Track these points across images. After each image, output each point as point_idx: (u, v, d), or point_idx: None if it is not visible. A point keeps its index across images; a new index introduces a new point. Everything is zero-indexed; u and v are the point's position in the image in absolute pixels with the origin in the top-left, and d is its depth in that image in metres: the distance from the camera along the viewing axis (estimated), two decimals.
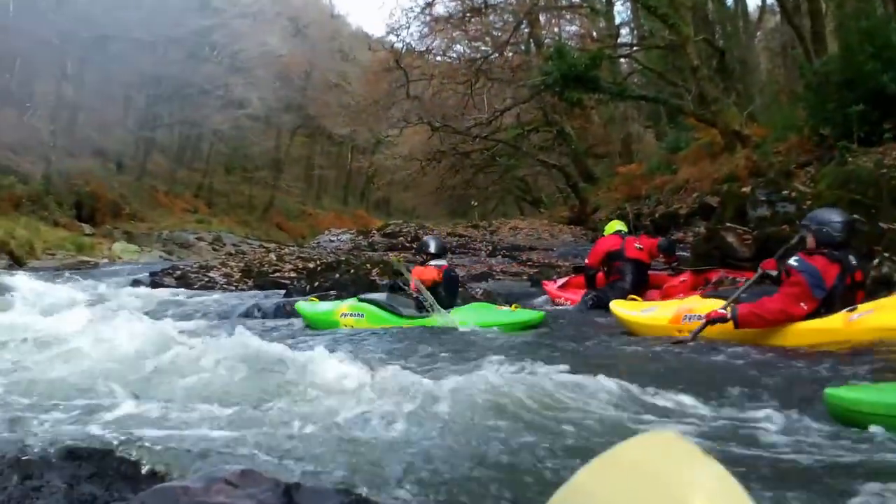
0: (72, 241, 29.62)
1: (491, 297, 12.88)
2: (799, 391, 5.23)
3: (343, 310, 10.46)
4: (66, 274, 19.88)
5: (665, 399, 5.08)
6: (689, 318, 7.66)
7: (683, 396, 5.12)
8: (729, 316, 6.99)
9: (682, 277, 10.56)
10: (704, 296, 8.36)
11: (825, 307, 6.75)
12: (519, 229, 28.81)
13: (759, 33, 32.55)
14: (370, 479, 3.60)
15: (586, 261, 11.98)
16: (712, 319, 7.05)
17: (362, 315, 10.21)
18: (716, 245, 11.54)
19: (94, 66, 44.59)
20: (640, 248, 11.10)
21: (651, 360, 6.97)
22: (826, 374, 5.66)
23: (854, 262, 6.94)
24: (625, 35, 33.56)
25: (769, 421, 4.48)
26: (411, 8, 33.57)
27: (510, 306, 10.15)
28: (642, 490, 1.36)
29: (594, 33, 32.04)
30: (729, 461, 1.64)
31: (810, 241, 7.05)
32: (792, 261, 6.94)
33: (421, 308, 9.92)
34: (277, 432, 4.44)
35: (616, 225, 11.94)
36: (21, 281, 15.23)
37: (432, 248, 10.70)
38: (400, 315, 9.97)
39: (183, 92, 51.04)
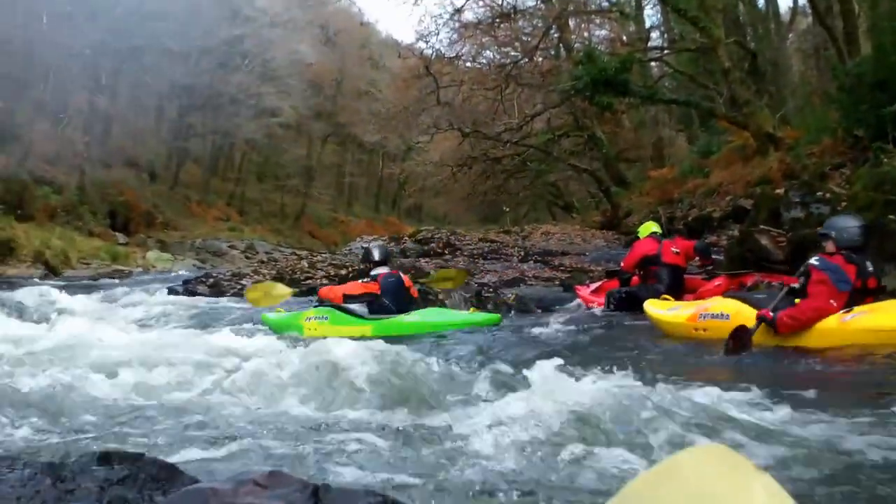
0: (106, 250, 29.90)
1: (523, 303, 12.86)
2: (832, 396, 5.19)
3: (308, 314, 10.94)
4: (101, 282, 20.08)
5: (689, 406, 5.05)
6: (705, 317, 8.16)
7: (709, 402, 5.08)
8: (772, 320, 7.27)
9: (717, 281, 10.49)
10: (725, 295, 8.73)
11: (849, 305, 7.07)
12: (551, 234, 28.75)
13: (790, 35, 32.29)
14: (398, 481, 3.60)
15: (621, 264, 11.93)
16: (763, 319, 7.33)
17: (326, 318, 10.56)
18: (750, 248, 11.45)
19: (127, 77, 45.01)
20: (677, 253, 11.03)
21: (668, 361, 6.99)
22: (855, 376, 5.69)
23: (870, 269, 7.33)
24: (655, 38, 33.53)
25: (810, 429, 4.45)
26: (440, 14, 33.62)
27: (469, 310, 10.62)
28: (697, 503, 1.34)
29: (624, 37, 31.93)
30: (777, 473, 1.61)
31: (830, 246, 7.42)
32: (813, 260, 7.38)
33: (374, 311, 10.33)
34: (305, 434, 4.46)
35: (651, 227, 11.87)
36: (54, 290, 15.37)
37: (376, 257, 11.01)
38: (361, 317, 10.34)
39: (215, 101, 51.32)
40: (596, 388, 5.26)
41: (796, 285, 7.59)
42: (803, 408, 4.91)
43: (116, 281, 21.70)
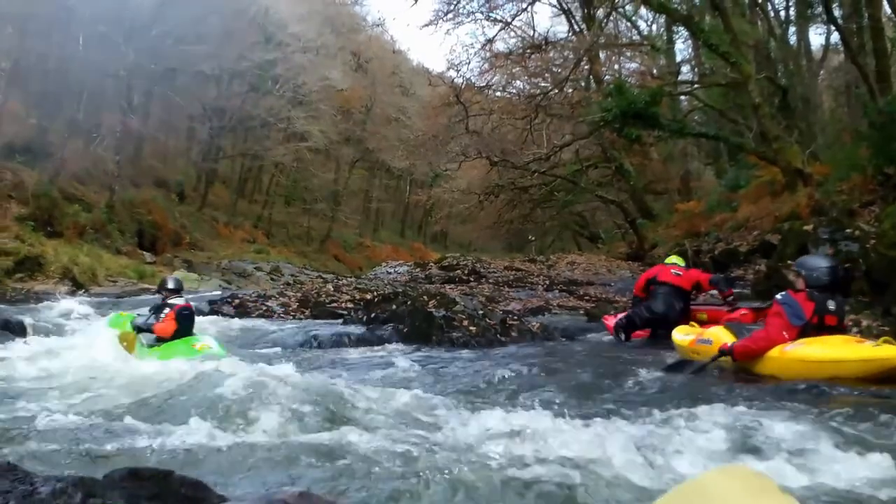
0: (133, 268, 30.00)
1: (547, 331, 12.85)
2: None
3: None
4: (127, 300, 20.19)
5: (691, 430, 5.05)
6: (699, 342, 8.78)
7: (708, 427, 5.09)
8: (728, 350, 8.00)
9: (742, 312, 10.44)
10: (726, 326, 9.05)
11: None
12: (576, 264, 28.75)
13: (822, 72, 32.21)
14: (418, 501, 3.62)
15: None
16: (721, 351, 8.06)
17: None
18: (776, 283, 11.41)
19: (159, 99, 45.35)
20: (678, 275, 11.01)
21: (667, 388, 7.07)
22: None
23: (831, 307, 7.74)
24: (685, 72, 33.60)
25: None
26: (472, 44, 33.78)
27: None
28: None
29: (654, 70, 31.97)
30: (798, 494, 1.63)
31: (800, 283, 7.92)
32: (778, 295, 7.98)
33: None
34: (333, 456, 4.47)
35: (671, 259, 11.89)
36: (83, 307, 15.48)
37: (170, 285, 11.05)
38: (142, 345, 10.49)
39: (245, 124, 51.60)
40: (611, 412, 5.28)
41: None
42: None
43: (141, 299, 21.78)
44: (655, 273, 11.22)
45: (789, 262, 12.14)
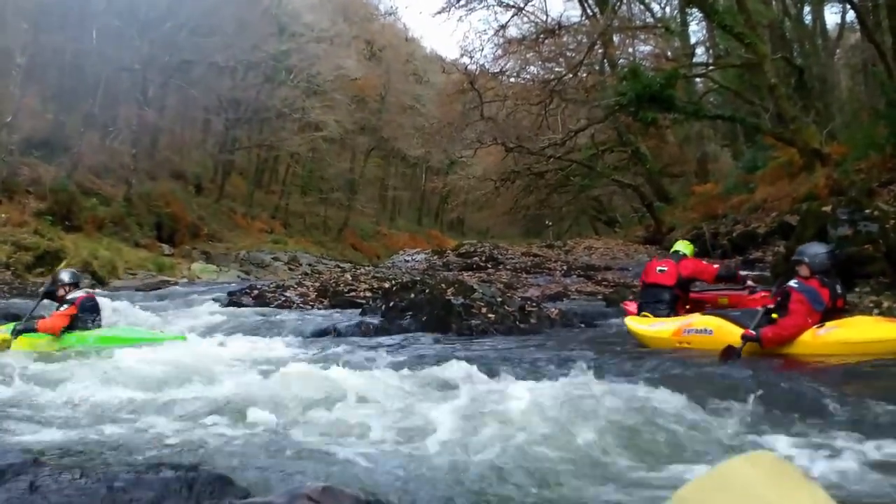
0: (152, 261, 30.11)
1: (566, 317, 12.83)
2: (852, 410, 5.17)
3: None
4: (147, 293, 20.27)
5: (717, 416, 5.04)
6: (688, 332, 8.93)
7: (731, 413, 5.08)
8: (755, 337, 8.03)
9: (762, 295, 10.37)
10: (704, 313, 9.40)
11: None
12: (594, 249, 28.70)
13: (838, 51, 31.99)
14: (445, 494, 3.62)
15: None
16: (747, 338, 8.04)
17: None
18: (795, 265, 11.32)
19: (174, 91, 45.42)
20: (663, 271, 10.81)
21: (690, 374, 7.04)
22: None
23: (839, 291, 8.25)
24: (700, 54, 33.41)
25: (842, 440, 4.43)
26: (485, 31, 33.67)
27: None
28: None
29: (669, 53, 31.81)
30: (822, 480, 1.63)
31: (804, 270, 8.28)
32: (792, 283, 8.21)
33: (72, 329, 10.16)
34: (356, 450, 4.48)
35: (676, 246, 11.61)
36: (105, 302, 15.53)
37: (66, 279, 10.77)
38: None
39: (261, 115, 51.63)
40: (633, 398, 5.28)
41: (771, 306, 8.38)
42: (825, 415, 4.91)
43: (161, 291, 21.87)
44: (645, 273, 11.08)
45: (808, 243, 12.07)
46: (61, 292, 10.54)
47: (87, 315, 10.26)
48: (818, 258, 8.29)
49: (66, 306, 10.24)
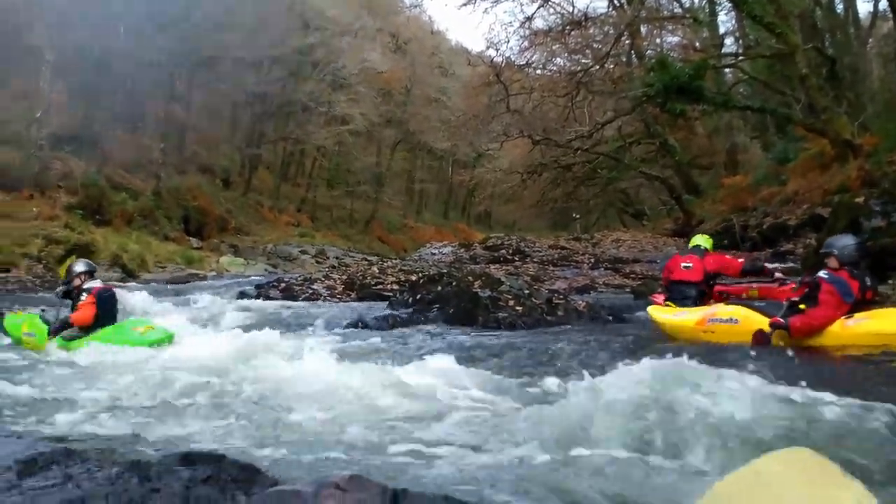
0: (181, 254, 30.33)
1: (594, 310, 12.76)
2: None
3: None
4: (177, 286, 20.39)
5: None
6: (713, 321, 8.98)
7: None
8: (784, 325, 8.18)
9: (791, 287, 10.29)
10: (728, 303, 9.53)
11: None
12: (622, 241, 28.63)
13: (870, 40, 31.64)
14: (473, 486, 3.59)
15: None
16: (775, 326, 8.21)
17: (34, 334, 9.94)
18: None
19: (201, 86, 45.69)
20: (688, 267, 10.67)
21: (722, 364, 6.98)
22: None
23: (868, 283, 8.30)
24: (729, 45, 33.10)
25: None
26: (510, 22, 33.68)
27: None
28: None
29: (697, 44, 31.56)
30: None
31: (833, 262, 8.34)
32: (822, 274, 8.32)
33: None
34: (383, 439, 4.47)
35: (696, 240, 11.46)
36: (133, 293, 15.61)
37: (81, 268, 10.55)
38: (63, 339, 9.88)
39: (287, 109, 51.92)
40: (662, 391, 5.22)
41: (796, 299, 8.50)
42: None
43: (189, 284, 22.00)
44: (669, 269, 10.96)
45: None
46: (77, 282, 10.33)
47: (104, 307, 9.99)
48: (847, 250, 8.32)
49: (84, 295, 10.02)
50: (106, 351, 8.83)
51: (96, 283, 10.29)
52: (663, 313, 9.83)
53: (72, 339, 9.68)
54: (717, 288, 10.71)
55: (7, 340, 10.16)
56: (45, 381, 7.01)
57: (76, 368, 7.61)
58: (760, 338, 8.12)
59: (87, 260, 11.39)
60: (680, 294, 10.20)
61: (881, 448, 4.20)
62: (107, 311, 9.96)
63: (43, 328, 9.89)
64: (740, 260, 11.02)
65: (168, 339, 9.48)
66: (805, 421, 4.79)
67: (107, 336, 9.45)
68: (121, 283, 20.26)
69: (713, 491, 1.43)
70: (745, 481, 1.42)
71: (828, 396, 5.35)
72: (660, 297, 11.19)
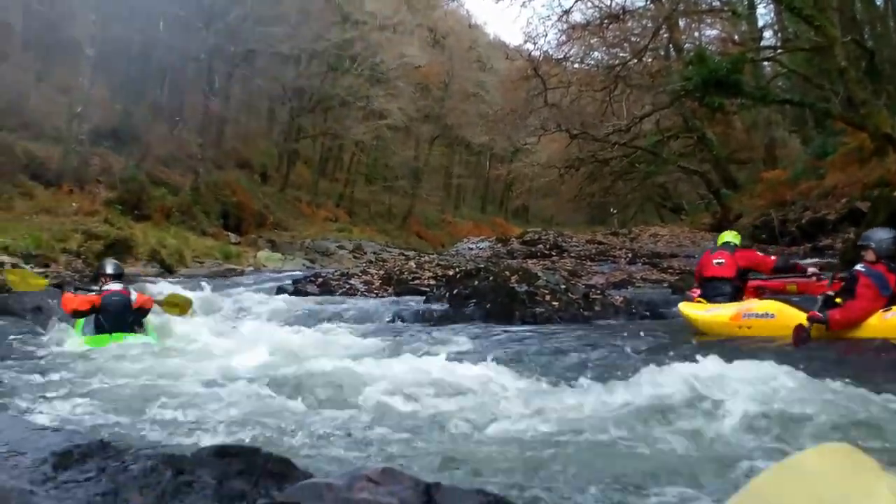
0: (219, 249, 30.49)
1: (631, 305, 12.72)
2: None
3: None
4: (215, 281, 20.55)
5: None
6: (748, 316, 9.06)
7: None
8: (822, 319, 8.17)
9: (826, 283, 10.22)
10: (761, 298, 9.68)
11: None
12: (659, 236, 28.50)
13: None
14: (509, 481, 3.62)
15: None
16: (813, 320, 8.16)
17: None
18: None
19: (240, 81, 45.98)
20: (721, 263, 10.57)
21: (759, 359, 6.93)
22: None
23: None
24: (768, 38, 32.79)
25: None
26: (548, 16, 33.59)
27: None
28: (822, 502, 1.33)
29: (736, 37, 31.34)
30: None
31: (870, 255, 8.38)
32: (859, 267, 8.38)
33: (97, 326, 9.59)
34: (417, 433, 4.50)
35: (725, 237, 11.36)
36: (171, 286, 15.74)
37: (109, 270, 10.30)
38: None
39: (325, 104, 52.05)
40: (702, 388, 5.23)
41: (832, 293, 8.53)
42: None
43: (228, 279, 22.16)
44: (701, 267, 10.88)
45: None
46: (101, 281, 10.15)
47: (112, 311, 9.57)
48: (884, 243, 8.36)
49: (93, 293, 9.86)
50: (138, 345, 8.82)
51: (113, 286, 9.91)
52: (696, 309, 9.82)
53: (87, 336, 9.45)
54: (754, 283, 10.64)
55: (35, 334, 10.20)
56: (77, 374, 7.11)
57: (109, 362, 7.69)
58: (801, 332, 8.07)
59: (116, 262, 11.09)
60: (714, 291, 10.13)
61: None
62: (110, 316, 9.55)
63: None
64: (773, 257, 10.92)
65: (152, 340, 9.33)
66: (844, 416, 4.78)
67: (96, 341, 9.17)
68: (158, 278, 20.49)
69: (750, 486, 1.45)
70: (783, 477, 1.43)
71: (866, 391, 5.36)
72: (697, 292, 11.14)
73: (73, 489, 2.93)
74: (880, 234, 8.60)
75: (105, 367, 7.35)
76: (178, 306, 11.21)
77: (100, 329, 9.46)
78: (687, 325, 10.01)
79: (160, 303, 10.83)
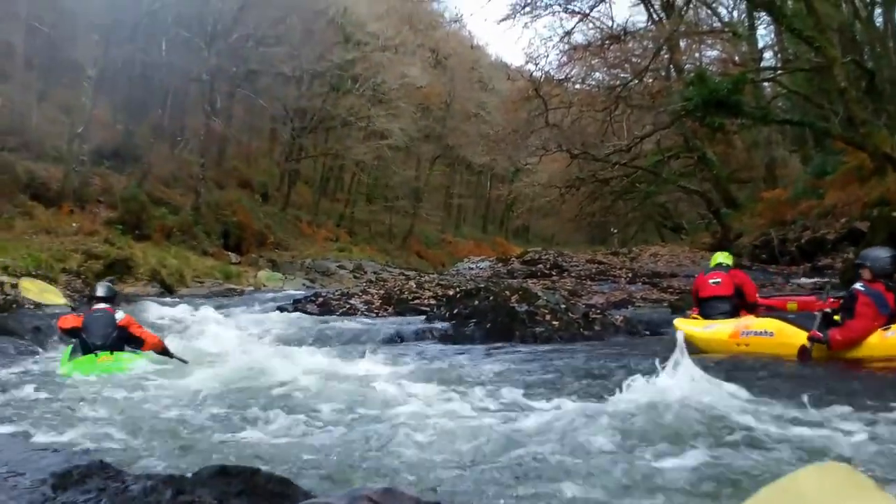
0: (219, 269, 30.51)
1: (631, 325, 12.73)
2: None
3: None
4: (215, 300, 20.54)
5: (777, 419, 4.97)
6: (747, 334, 9.01)
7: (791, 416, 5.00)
8: (823, 339, 8.23)
9: (830, 300, 10.24)
10: (759, 315, 9.58)
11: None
12: (660, 256, 28.47)
13: None
14: (506, 501, 3.62)
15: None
16: (814, 340, 8.24)
17: None
18: None
19: (241, 101, 46.13)
20: (717, 283, 10.60)
21: (753, 378, 6.93)
22: None
23: None
24: (768, 58, 32.93)
25: None
26: (550, 37, 33.68)
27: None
28: None
29: (736, 57, 31.41)
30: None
31: (867, 274, 8.41)
32: (858, 286, 8.37)
33: (82, 345, 9.48)
34: (417, 452, 4.50)
35: (717, 258, 11.38)
36: (172, 307, 15.76)
37: (98, 292, 10.19)
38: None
39: (326, 124, 52.22)
40: (701, 406, 5.24)
41: (829, 310, 8.61)
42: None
43: (228, 299, 22.13)
44: (697, 286, 10.88)
45: None
46: (94, 304, 10.02)
47: (94, 328, 9.49)
48: (879, 262, 8.43)
49: (81, 314, 9.88)
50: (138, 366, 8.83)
51: (100, 306, 9.80)
52: (693, 326, 9.74)
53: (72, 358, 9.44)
54: (762, 300, 10.68)
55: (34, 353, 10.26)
56: (74, 394, 7.11)
57: (108, 382, 7.69)
58: (803, 353, 8.18)
59: (108, 285, 10.95)
60: (714, 309, 10.13)
61: None
62: (91, 330, 9.45)
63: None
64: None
65: (121, 369, 8.94)
66: (841, 435, 4.78)
67: (80, 365, 9.08)
68: (158, 298, 20.48)
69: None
70: (779, 496, 1.43)
71: (864, 410, 5.36)
72: (696, 311, 11.14)
73: None
74: (877, 253, 8.69)
75: (101, 388, 7.35)
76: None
77: (86, 348, 9.37)
78: (684, 343, 10.01)
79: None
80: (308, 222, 50.05)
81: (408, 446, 4.68)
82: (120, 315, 9.75)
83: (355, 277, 34.67)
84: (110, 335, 9.44)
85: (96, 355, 9.15)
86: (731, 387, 6.17)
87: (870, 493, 1.36)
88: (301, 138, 50.66)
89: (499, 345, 11.09)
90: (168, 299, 20.02)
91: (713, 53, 35.40)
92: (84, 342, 9.41)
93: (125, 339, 9.64)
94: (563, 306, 13.14)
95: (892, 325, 8.15)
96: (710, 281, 10.47)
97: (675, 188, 37.57)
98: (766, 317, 9.40)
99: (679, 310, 14.21)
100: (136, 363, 9.16)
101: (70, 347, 9.77)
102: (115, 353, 9.32)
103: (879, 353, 7.99)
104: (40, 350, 10.47)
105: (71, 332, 9.64)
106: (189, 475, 3.22)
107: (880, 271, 8.39)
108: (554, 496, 3.73)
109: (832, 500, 1.36)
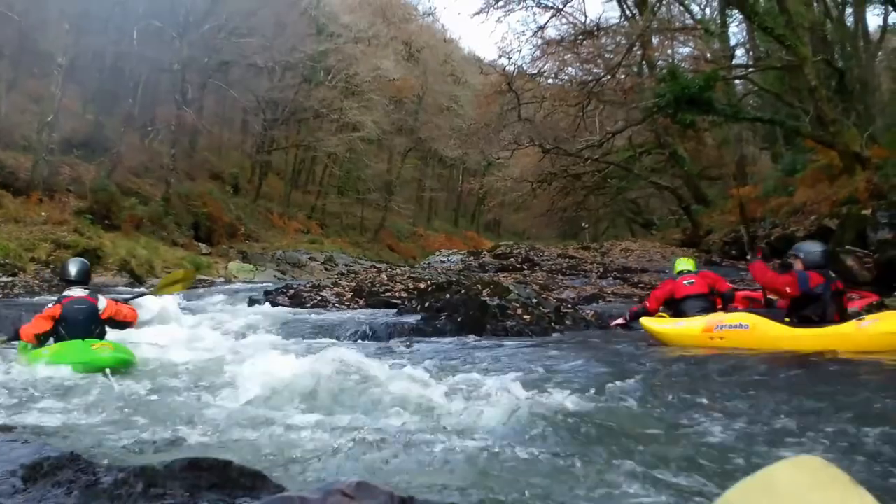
0: (189, 260, 30.30)
1: (601, 319, 12.78)
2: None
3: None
4: (185, 292, 20.42)
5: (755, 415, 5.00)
6: (721, 328, 9.14)
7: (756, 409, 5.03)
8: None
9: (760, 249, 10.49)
10: (727, 310, 9.81)
11: (819, 311, 8.56)
12: (630, 251, 28.53)
13: (880, 53, 31.58)
14: (480, 493, 3.62)
15: (646, 304, 11.30)
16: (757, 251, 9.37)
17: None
18: (834, 269, 11.24)
19: (213, 92, 45.87)
20: (692, 283, 10.67)
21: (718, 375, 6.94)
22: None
23: (833, 275, 8.84)
24: (740, 56, 33.12)
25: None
26: (523, 32, 33.72)
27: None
28: None
29: (708, 55, 31.56)
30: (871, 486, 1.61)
31: (798, 265, 8.90)
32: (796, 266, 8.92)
33: (58, 339, 8.33)
34: (389, 445, 4.49)
35: (680, 265, 11.43)
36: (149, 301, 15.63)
37: (73, 274, 8.87)
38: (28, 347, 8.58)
39: (298, 116, 52.05)
40: (671, 401, 5.26)
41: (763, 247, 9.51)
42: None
43: (198, 290, 21.98)
44: (671, 290, 10.87)
45: (848, 247, 11.96)
46: (63, 287, 8.97)
47: (75, 321, 8.42)
48: (811, 255, 8.90)
49: (51, 304, 8.62)
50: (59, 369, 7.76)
51: (72, 293, 8.69)
52: (661, 324, 9.98)
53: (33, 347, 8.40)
54: (741, 293, 10.87)
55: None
56: (45, 386, 7.03)
57: (73, 373, 7.58)
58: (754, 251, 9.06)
59: (81, 260, 9.41)
60: (693, 308, 10.23)
61: (892, 456, 4.21)
62: (72, 323, 8.37)
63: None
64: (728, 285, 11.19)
65: (124, 363, 7.98)
66: (815, 428, 4.82)
67: (58, 354, 8.00)
68: (128, 289, 20.34)
69: (723, 500, 1.46)
70: (755, 490, 1.44)
71: (839, 404, 5.41)
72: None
73: (43, 501, 2.92)
74: (809, 247, 9.19)
75: (74, 378, 7.28)
76: (180, 281, 10.98)
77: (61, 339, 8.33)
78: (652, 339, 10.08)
79: (158, 290, 10.65)
80: (279, 214, 49.92)
81: (380, 440, 4.67)
82: (102, 304, 8.73)
83: (326, 270, 34.63)
84: (93, 330, 8.50)
85: (85, 341, 8.13)
86: (703, 382, 6.21)
87: (844, 486, 1.37)
88: (273, 130, 50.48)
89: (469, 338, 11.10)
90: (137, 289, 19.85)
91: (685, 50, 35.62)
92: (61, 337, 8.33)
93: (105, 332, 8.72)
94: (534, 300, 13.19)
95: (867, 317, 8.37)
96: (685, 282, 10.58)
97: (646, 184, 37.74)
98: (737, 311, 9.50)
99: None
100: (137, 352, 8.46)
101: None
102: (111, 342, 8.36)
103: (853, 346, 8.06)
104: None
105: (46, 335, 8.42)
106: (161, 468, 3.20)
107: (811, 264, 8.79)
108: (524, 489, 3.73)
109: (807, 493, 1.37)
